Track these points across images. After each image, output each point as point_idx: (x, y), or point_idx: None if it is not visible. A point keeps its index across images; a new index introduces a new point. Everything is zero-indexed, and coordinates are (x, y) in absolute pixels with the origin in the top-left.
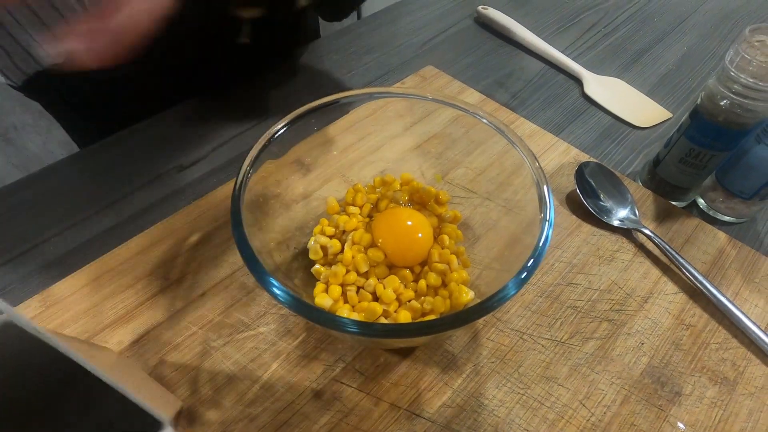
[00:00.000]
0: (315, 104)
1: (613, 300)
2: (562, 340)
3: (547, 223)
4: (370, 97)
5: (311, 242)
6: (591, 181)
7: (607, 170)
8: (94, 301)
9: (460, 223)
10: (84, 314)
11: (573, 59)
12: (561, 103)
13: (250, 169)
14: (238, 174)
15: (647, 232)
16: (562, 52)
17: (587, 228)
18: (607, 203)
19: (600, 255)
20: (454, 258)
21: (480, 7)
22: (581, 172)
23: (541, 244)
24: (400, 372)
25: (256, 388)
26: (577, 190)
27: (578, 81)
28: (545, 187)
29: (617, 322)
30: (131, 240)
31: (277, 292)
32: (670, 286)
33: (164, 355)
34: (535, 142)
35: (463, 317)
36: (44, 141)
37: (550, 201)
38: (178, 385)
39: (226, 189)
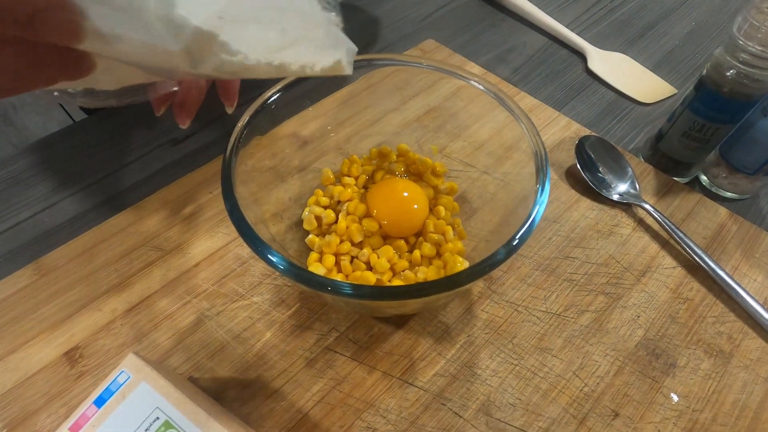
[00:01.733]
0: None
1: (610, 274)
2: (557, 313)
3: (542, 190)
4: (369, 64)
5: (305, 212)
6: (591, 154)
7: (608, 144)
8: (89, 270)
9: (457, 195)
10: (78, 282)
11: (577, 34)
12: (563, 78)
13: (240, 138)
14: (228, 143)
15: (647, 206)
16: (566, 26)
17: (586, 202)
18: (607, 177)
19: (598, 229)
20: (449, 229)
21: None
22: (581, 146)
23: (535, 213)
24: (394, 342)
25: (250, 356)
26: (577, 164)
27: (582, 56)
28: (543, 156)
29: (613, 295)
30: (126, 210)
31: (273, 258)
32: (668, 261)
33: (158, 323)
34: (535, 116)
35: (453, 280)
36: (44, 120)
37: (548, 170)
38: (172, 352)
39: (218, 163)
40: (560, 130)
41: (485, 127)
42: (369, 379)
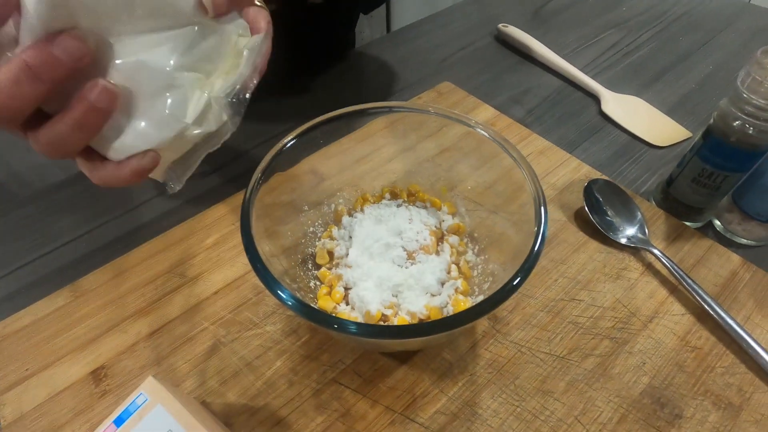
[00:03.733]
0: (323, 118)
1: (616, 318)
2: (561, 355)
3: (540, 236)
4: (388, 110)
5: (318, 247)
6: (599, 197)
7: (617, 187)
8: (119, 293)
9: (465, 234)
10: (109, 305)
11: (592, 77)
12: (577, 120)
13: (260, 179)
14: (249, 183)
15: (656, 251)
16: (581, 70)
17: (594, 245)
18: (615, 220)
19: (606, 272)
20: (454, 267)
21: (501, 25)
22: (590, 189)
23: (533, 254)
24: (398, 376)
25: (260, 383)
26: (585, 207)
27: (596, 98)
28: (542, 205)
29: (619, 340)
30: (154, 239)
31: (283, 296)
32: (677, 307)
33: (177, 348)
34: (546, 158)
35: (454, 320)
36: None
37: (544, 216)
38: (188, 376)
39: (241, 196)
40: (570, 171)
41: (494, 169)
42: (372, 413)
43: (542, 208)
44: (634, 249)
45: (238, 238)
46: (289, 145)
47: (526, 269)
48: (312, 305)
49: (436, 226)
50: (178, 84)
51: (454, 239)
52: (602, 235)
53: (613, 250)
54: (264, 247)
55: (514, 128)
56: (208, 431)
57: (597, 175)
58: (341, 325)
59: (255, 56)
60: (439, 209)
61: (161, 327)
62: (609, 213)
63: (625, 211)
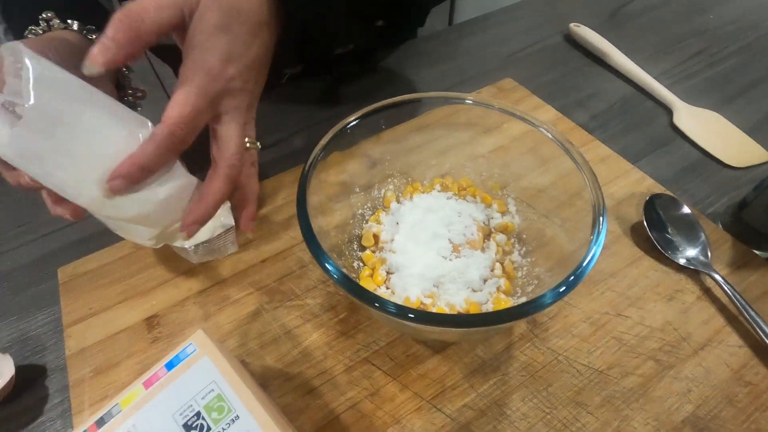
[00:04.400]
0: (386, 102)
1: (664, 340)
2: (600, 369)
3: (597, 241)
4: (445, 100)
5: (365, 229)
6: (661, 213)
7: (681, 205)
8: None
9: (513, 234)
10: (166, 261)
11: (666, 86)
12: (645, 130)
13: (320, 155)
14: (309, 158)
15: (717, 277)
16: (655, 78)
17: (649, 262)
18: (676, 239)
19: (658, 292)
20: (498, 266)
21: (572, 25)
22: (651, 203)
23: (585, 263)
24: (429, 365)
25: (296, 352)
26: (644, 222)
27: (668, 110)
28: (602, 209)
29: (665, 363)
30: None
31: (330, 268)
32: (734, 338)
33: (223, 308)
34: (606, 166)
35: (491, 318)
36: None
37: (604, 223)
38: (231, 336)
39: (296, 172)
40: (632, 183)
41: (550, 172)
42: (400, 397)
43: (602, 217)
44: (693, 271)
45: (288, 212)
46: (350, 125)
47: (575, 277)
48: (359, 284)
49: (484, 223)
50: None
51: (501, 238)
52: (659, 252)
53: (670, 270)
54: (315, 221)
55: (575, 133)
56: (248, 388)
57: (660, 189)
58: (382, 303)
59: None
60: (489, 206)
61: (211, 286)
62: (669, 231)
63: (687, 231)
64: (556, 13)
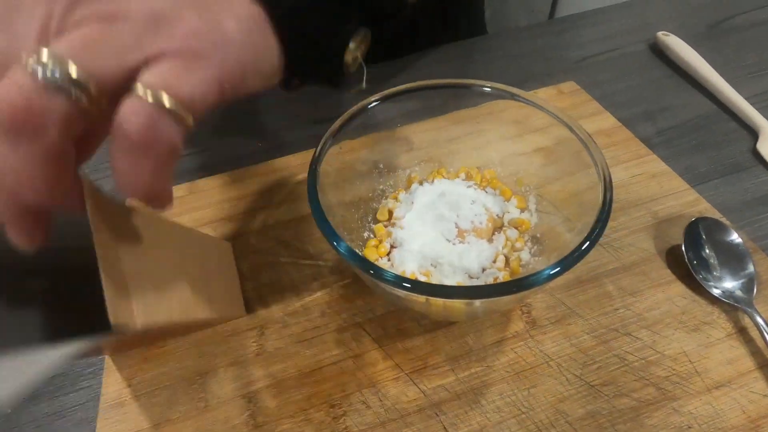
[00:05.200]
0: (419, 84)
1: (675, 370)
2: (591, 383)
3: (588, 242)
4: (495, 93)
5: (382, 204)
6: (704, 236)
7: (732, 233)
8: (219, 199)
9: (527, 232)
10: (212, 206)
11: (758, 109)
12: (718, 152)
13: (341, 128)
14: (331, 127)
15: (758, 319)
16: (746, 98)
17: (678, 288)
18: (716, 268)
19: (682, 320)
20: (502, 258)
21: (661, 33)
22: (695, 226)
23: (581, 250)
24: (416, 342)
25: (298, 304)
26: (683, 244)
27: (753, 133)
28: (606, 212)
29: (668, 393)
30: (261, 164)
31: (326, 228)
32: (760, 385)
33: (248, 255)
34: (657, 183)
35: (472, 291)
36: None
37: (602, 228)
38: (247, 278)
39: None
40: (682, 205)
41: (587, 179)
42: (381, 364)
43: (604, 214)
44: (730, 306)
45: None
46: (372, 105)
47: (567, 261)
48: (356, 251)
49: (497, 215)
50: None
51: (512, 233)
52: (693, 280)
53: (701, 300)
54: (330, 196)
55: (631, 144)
56: None
57: (716, 216)
58: (377, 272)
59: None
60: (508, 200)
61: (241, 235)
62: (710, 257)
63: (732, 261)
64: (645, 21)
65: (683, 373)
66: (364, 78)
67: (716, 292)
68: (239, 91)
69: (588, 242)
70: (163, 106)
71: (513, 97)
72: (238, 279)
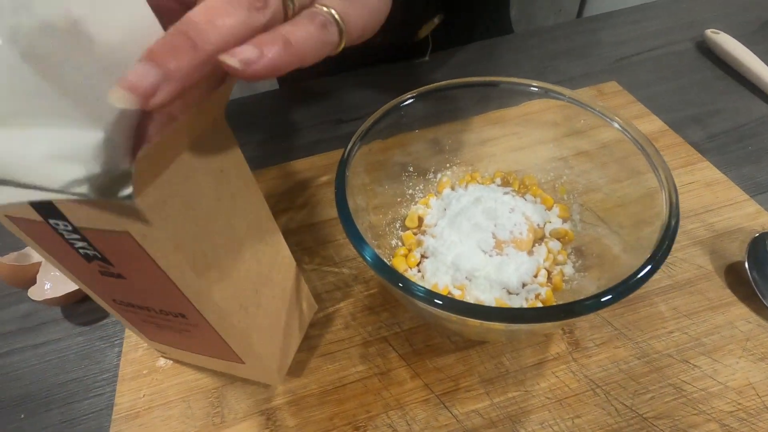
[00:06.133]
0: (452, 82)
1: (740, 404)
2: (644, 416)
3: (652, 261)
4: (529, 91)
5: (412, 210)
6: None
7: None
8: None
9: (571, 244)
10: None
11: None
12: None
13: (372, 126)
14: (361, 127)
15: None
16: None
17: (741, 310)
18: None
19: (747, 347)
20: (544, 274)
21: (709, 31)
22: (761, 241)
23: (638, 276)
24: (447, 361)
25: (321, 314)
26: (746, 262)
27: None
28: (672, 231)
29: (734, 431)
30: (283, 165)
31: (353, 234)
32: None
33: None
34: (712, 192)
35: (512, 314)
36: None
37: (668, 244)
38: None
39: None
40: (741, 217)
41: (635, 187)
42: (410, 384)
43: (671, 231)
44: None
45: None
46: (405, 103)
47: (622, 288)
48: (384, 260)
49: (538, 225)
50: None
51: (554, 245)
52: (758, 302)
53: None
54: (358, 199)
55: (681, 149)
56: None
57: None
58: (406, 285)
59: None
60: (550, 209)
61: None
62: None
63: None
64: (692, 18)
65: (751, 408)
66: (429, 51)
67: None
68: (365, 35)
69: (650, 266)
70: (335, 17)
71: (555, 95)
72: (297, 343)
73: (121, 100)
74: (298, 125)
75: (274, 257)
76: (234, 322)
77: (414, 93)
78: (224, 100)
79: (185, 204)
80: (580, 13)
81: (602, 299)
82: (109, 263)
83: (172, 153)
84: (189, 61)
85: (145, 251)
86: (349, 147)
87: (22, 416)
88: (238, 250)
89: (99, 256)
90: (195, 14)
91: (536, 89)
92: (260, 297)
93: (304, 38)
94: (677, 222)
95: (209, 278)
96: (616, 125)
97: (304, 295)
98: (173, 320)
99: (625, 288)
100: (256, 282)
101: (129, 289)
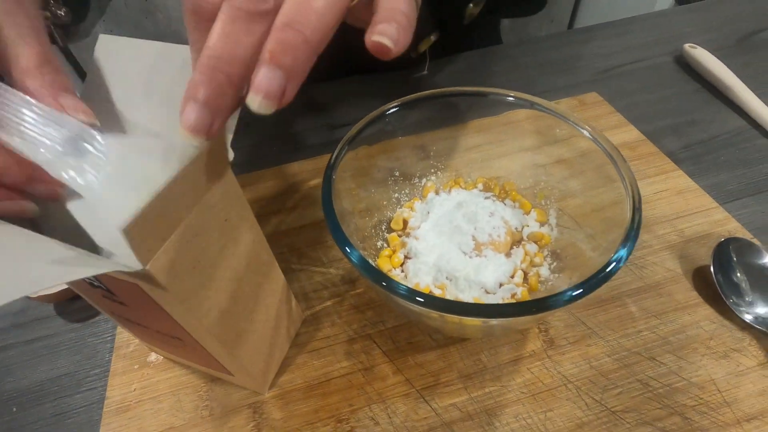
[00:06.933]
0: (439, 91)
1: (702, 399)
2: (612, 409)
3: (614, 263)
4: (516, 102)
5: (397, 213)
6: (734, 258)
7: (764, 255)
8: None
9: (547, 247)
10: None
11: None
12: (748, 169)
13: (362, 130)
14: (348, 133)
15: None
16: None
17: (706, 311)
18: (748, 294)
19: (710, 346)
20: (520, 273)
21: (687, 45)
22: (725, 247)
23: (599, 277)
24: (428, 357)
25: (308, 313)
26: (711, 265)
27: None
28: (634, 229)
29: (695, 424)
30: (274, 168)
31: (338, 234)
32: None
33: None
34: (683, 199)
35: (487, 309)
36: None
37: (629, 248)
38: None
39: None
40: (710, 223)
41: (611, 194)
42: (392, 379)
43: (633, 233)
44: (762, 333)
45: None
46: (390, 111)
47: (591, 283)
48: (369, 261)
49: (516, 228)
50: None
51: (531, 247)
52: (722, 303)
53: (731, 326)
54: (345, 203)
55: (656, 159)
56: None
57: (747, 236)
58: (389, 284)
59: None
60: (527, 213)
61: None
62: (741, 280)
63: (766, 286)
64: (671, 33)
65: (712, 402)
66: (426, 65)
67: (748, 317)
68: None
69: (614, 263)
70: None
71: (534, 106)
72: (283, 353)
73: (261, 107)
74: (290, 129)
75: (269, 285)
76: (228, 348)
77: (398, 102)
78: (226, 155)
79: (193, 260)
80: (571, 24)
81: (571, 294)
82: (113, 294)
83: (181, 214)
84: (304, 53)
85: (151, 298)
86: (336, 152)
87: (15, 410)
88: (238, 287)
89: (104, 288)
90: (287, 10)
91: (516, 100)
92: (254, 323)
93: None
94: (639, 224)
95: (210, 317)
96: (587, 134)
97: (292, 309)
98: (169, 339)
99: (589, 285)
100: (252, 310)
101: (129, 311)
